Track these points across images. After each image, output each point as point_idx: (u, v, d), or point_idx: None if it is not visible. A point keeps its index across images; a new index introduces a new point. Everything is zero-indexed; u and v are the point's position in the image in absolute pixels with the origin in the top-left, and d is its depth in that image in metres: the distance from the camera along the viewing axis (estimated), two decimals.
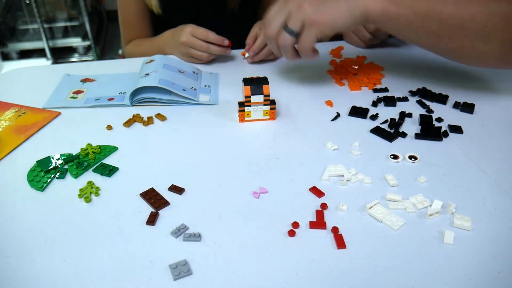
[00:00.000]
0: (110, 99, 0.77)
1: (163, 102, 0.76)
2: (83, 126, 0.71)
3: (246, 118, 0.69)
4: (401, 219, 0.51)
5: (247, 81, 0.67)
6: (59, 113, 0.74)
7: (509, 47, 0.66)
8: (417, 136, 0.66)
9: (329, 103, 0.75)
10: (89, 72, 0.88)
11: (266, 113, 0.69)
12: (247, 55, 0.89)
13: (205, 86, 0.82)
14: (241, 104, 0.69)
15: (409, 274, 0.45)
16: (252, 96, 0.67)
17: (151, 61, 0.81)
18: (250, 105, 0.68)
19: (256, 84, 0.67)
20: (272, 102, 0.69)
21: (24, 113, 0.74)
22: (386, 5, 0.66)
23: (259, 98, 0.68)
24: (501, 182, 0.57)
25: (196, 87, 0.79)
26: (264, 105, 0.68)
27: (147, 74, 0.77)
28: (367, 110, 0.72)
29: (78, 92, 0.80)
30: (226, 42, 0.87)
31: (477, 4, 0.65)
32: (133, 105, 0.76)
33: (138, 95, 0.76)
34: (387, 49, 0.97)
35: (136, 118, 0.72)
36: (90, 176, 0.60)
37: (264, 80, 0.68)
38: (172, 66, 0.81)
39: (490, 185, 0.57)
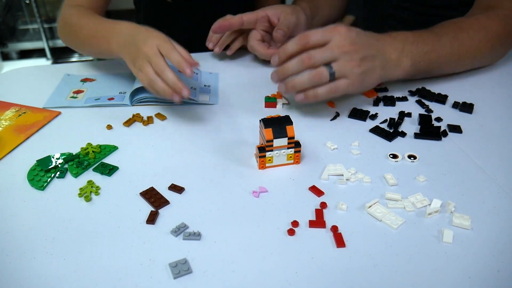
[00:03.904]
0: (110, 99, 0.77)
1: (162, 102, 0.76)
2: (83, 126, 0.71)
3: (267, 165, 0.60)
4: (400, 218, 0.51)
5: (267, 122, 0.58)
6: (59, 113, 0.74)
7: None
8: (417, 136, 0.67)
9: (331, 104, 0.76)
10: (89, 73, 0.88)
11: (290, 157, 0.61)
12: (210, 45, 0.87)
13: (204, 86, 0.82)
14: (261, 149, 0.59)
15: (408, 273, 0.45)
16: (274, 140, 0.58)
17: None
18: (272, 150, 0.59)
19: (278, 126, 0.58)
20: (297, 145, 0.60)
21: (24, 112, 0.74)
22: (408, 70, 0.75)
23: (283, 142, 0.59)
24: (501, 181, 0.57)
25: (196, 87, 0.79)
26: (288, 148, 0.60)
27: None
28: (367, 112, 0.72)
29: (78, 91, 0.80)
30: (188, 71, 0.65)
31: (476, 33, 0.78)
32: (133, 105, 0.76)
33: (138, 95, 0.76)
34: None
35: (136, 118, 0.72)
36: (90, 175, 0.60)
37: (287, 120, 0.59)
38: (171, 66, 0.81)
39: (489, 184, 0.57)
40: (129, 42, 0.70)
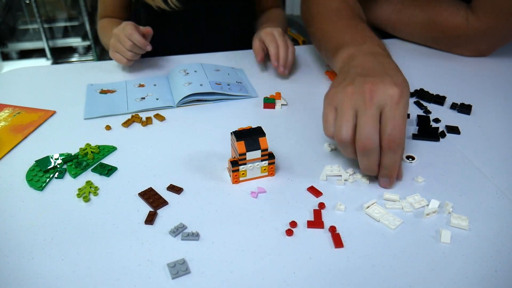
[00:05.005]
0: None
1: (207, 101, 0.78)
2: (82, 126, 0.71)
3: (241, 179, 0.58)
4: (398, 218, 0.52)
5: (238, 135, 0.56)
6: (54, 112, 0.75)
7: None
8: (415, 137, 0.67)
9: None
10: (90, 73, 0.88)
11: (264, 169, 0.58)
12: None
13: (237, 82, 0.84)
14: (234, 163, 0.57)
15: (406, 273, 0.45)
16: (247, 153, 0.56)
17: (186, 72, 0.83)
18: (245, 163, 0.57)
19: (250, 138, 0.56)
20: (271, 156, 0.58)
21: (19, 113, 0.74)
22: None
23: (256, 154, 0.57)
24: (498, 182, 0.58)
25: (229, 83, 0.82)
26: (262, 160, 0.58)
27: (190, 83, 0.79)
28: None
29: (107, 91, 0.81)
30: (149, 48, 0.84)
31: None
32: (177, 106, 0.77)
33: (186, 98, 0.77)
34: None
35: (134, 119, 0.72)
36: (89, 176, 0.60)
37: (259, 132, 0.57)
38: (209, 65, 0.87)
39: (487, 185, 0.57)
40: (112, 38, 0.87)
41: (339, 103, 0.54)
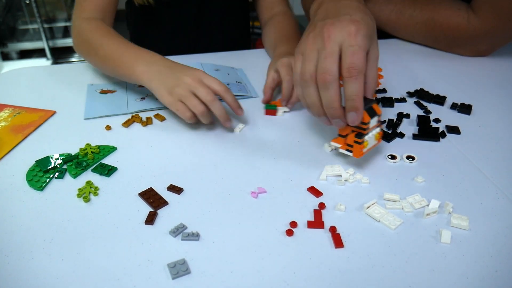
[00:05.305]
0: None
1: None
2: (82, 126, 0.71)
3: (364, 150, 0.56)
4: (399, 218, 0.52)
5: None
6: (54, 112, 0.75)
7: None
8: (415, 137, 0.67)
9: None
10: (90, 73, 0.88)
11: (377, 137, 0.57)
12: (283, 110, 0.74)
13: (236, 82, 0.83)
14: (359, 135, 0.54)
15: (407, 273, 0.45)
16: (371, 121, 0.54)
17: None
18: (367, 133, 0.55)
19: (366, 105, 0.54)
20: (382, 122, 0.56)
21: (19, 113, 0.74)
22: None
23: (374, 122, 0.55)
24: (498, 182, 0.58)
25: (229, 83, 0.82)
26: (377, 127, 0.57)
27: None
28: None
29: (107, 91, 0.81)
30: (240, 112, 0.69)
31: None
32: None
33: None
34: (386, 51, 0.97)
35: (135, 119, 0.72)
36: (89, 176, 0.60)
37: (370, 100, 0.55)
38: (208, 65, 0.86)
39: (487, 185, 0.57)
40: (164, 71, 0.69)
41: (303, 50, 0.56)
